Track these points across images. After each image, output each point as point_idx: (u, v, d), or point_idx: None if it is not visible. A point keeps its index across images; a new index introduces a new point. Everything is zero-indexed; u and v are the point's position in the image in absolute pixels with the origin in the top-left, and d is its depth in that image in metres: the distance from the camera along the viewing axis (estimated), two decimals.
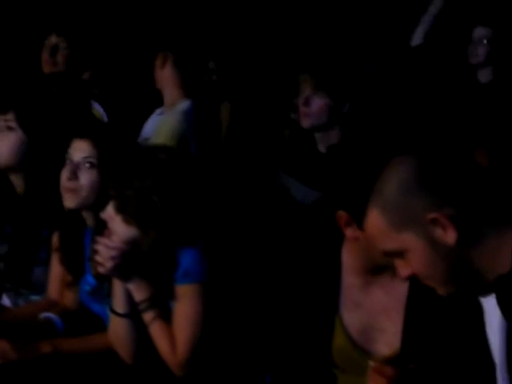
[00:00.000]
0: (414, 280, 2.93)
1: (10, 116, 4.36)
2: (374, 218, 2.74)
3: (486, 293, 2.73)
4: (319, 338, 3.38)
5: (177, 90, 6.40)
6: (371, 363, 3.08)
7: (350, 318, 3.40)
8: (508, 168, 3.46)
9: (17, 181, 4.43)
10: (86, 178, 3.96)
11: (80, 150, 4.01)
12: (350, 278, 3.42)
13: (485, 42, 7.06)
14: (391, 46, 8.65)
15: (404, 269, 2.73)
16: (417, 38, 7.95)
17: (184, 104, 6.22)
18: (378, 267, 3.28)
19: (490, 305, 2.73)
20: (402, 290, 3.27)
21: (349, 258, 3.41)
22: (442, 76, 7.30)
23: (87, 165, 3.96)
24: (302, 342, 3.40)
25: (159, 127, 6.15)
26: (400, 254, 2.72)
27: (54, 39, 7.18)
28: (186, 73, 6.41)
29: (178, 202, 3.65)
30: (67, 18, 10.55)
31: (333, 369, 3.41)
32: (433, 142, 3.00)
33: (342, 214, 3.18)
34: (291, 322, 3.48)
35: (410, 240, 2.69)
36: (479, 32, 7.14)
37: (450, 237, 2.61)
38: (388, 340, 3.33)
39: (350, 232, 3.19)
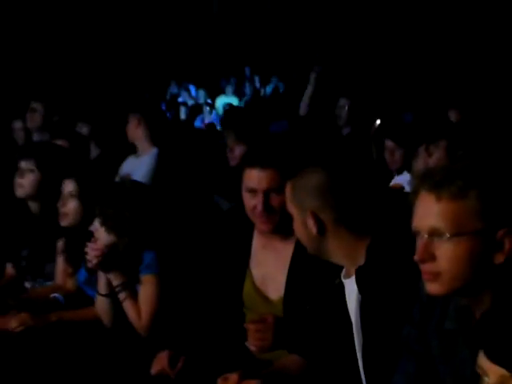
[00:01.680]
0: (298, 244, 3.20)
1: (32, 162, 4.50)
2: (288, 190, 2.97)
3: (347, 276, 2.92)
4: (234, 286, 3.54)
5: (147, 142, 6.40)
6: (249, 325, 3.28)
7: (254, 271, 3.55)
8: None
9: (33, 206, 4.58)
10: (70, 205, 4.19)
11: (67, 186, 4.19)
12: (255, 243, 3.58)
13: (346, 108, 7.15)
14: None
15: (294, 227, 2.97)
16: (303, 109, 7.88)
17: (153, 151, 6.30)
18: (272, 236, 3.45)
19: (349, 283, 2.90)
20: (289, 252, 3.40)
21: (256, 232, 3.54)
22: (323, 131, 7.19)
23: (71, 197, 4.17)
24: (223, 290, 3.54)
25: (139, 166, 6.17)
26: (292, 218, 2.96)
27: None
28: (153, 130, 6.38)
29: (142, 218, 3.80)
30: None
31: (243, 308, 3.55)
32: (326, 168, 2.95)
33: None
34: (216, 277, 3.62)
35: (295, 214, 2.94)
36: (342, 101, 7.26)
37: (312, 228, 2.86)
38: (277, 287, 3.44)
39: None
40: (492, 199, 2.25)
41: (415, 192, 2.36)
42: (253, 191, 3.37)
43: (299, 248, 3.23)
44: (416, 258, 2.29)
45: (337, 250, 2.94)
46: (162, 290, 3.82)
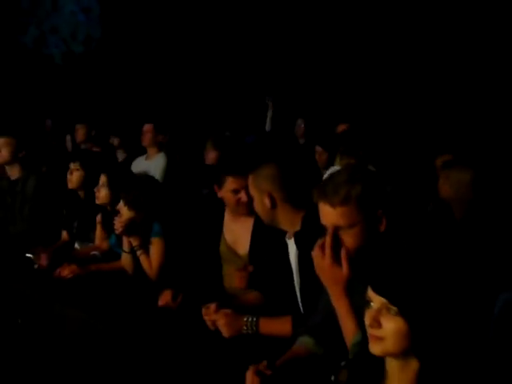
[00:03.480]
0: (256, 218, 3.19)
1: (78, 163, 4.45)
2: (250, 179, 2.98)
3: (289, 238, 2.92)
4: (213, 246, 3.56)
5: (156, 148, 6.29)
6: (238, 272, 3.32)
7: (227, 236, 3.55)
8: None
9: (81, 193, 4.52)
10: (103, 192, 4.16)
11: (101, 179, 4.17)
12: (226, 217, 3.59)
13: (302, 125, 7.01)
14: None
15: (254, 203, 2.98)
16: (267, 127, 7.73)
17: (161, 154, 6.19)
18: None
19: (290, 242, 2.90)
20: (250, 223, 3.42)
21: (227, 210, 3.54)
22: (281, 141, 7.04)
23: (103, 186, 4.15)
24: (206, 249, 3.57)
25: (154, 166, 5.93)
26: (253, 199, 2.97)
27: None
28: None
29: (152, 201, 3.76)
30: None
31: (220, 261, 3.58)
32: (277, 163, 2.93)
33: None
34: (201, 240, 3.65)
35: (256, 195, 2.93)
36: (299, 121, 7.07)
37: (266, 203, 2.86)
38: (244, 247, 3.46)
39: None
40: (367, 199, 2.26)
41: (316, 199, 2.35)
42: (236, 191, 3.42)
43: (258, 220, 3.21)
44: (328, 243, 2.28)
45: (283, 220, 2.92)
46: (166, 248, 3.78)
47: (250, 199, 3.09)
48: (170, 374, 2.64)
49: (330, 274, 2.25)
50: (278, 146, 6.56)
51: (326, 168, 5.01)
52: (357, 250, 2.26)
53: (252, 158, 3.60)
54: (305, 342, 2.45)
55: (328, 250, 2.25)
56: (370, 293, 1.67)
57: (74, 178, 4.47)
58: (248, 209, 3.34)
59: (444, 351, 1.62)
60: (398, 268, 1.67)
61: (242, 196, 3.39)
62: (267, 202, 2.87)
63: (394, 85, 8.15)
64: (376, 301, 1.65)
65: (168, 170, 6.08)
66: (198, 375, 2.56)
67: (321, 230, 2.46)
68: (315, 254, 2.30)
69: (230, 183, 3.42)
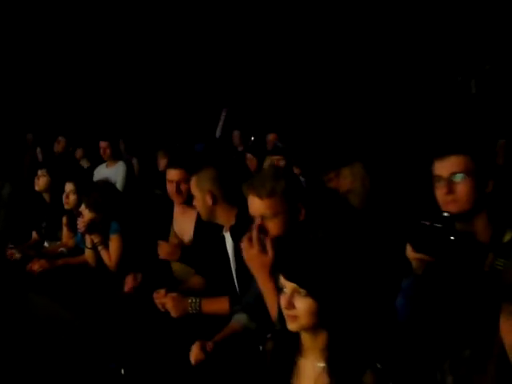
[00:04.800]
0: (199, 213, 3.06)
1: (44, 170, 4.33)
2: (193, 180, 2.93)
3: (225, 231, 2.91)
4: (163, 236, 3.47)
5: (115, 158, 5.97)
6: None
7: (176, 228, 3.50)
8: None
9: (46, 196, 4.43)
10: (71, 198, 4.07)
11: (68, 186, 4.06)
12: (175, 212, 3.52)
13: (237, 136, 6.76)
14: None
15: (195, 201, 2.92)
16: (217, 134, 7.62)
17: (120, 163, 5.92)
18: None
19: (227, 235, 2.89)
20: (195, 214, 3.28)
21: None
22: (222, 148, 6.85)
23: (71, 192, 4.07)
24: (157, 239, 3.42)
25: (114, 173, 5.67)
26: (194, 197, 2.92)
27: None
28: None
29: (109, 203, 3.69)
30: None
31: None
32: (216, 167, 2.94)
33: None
34: (153, 232, 3.58)
35: (198, 194, 2.90)
36: (235, 132, 6.86)
37: (208, 200, 2.87)
38: (189, 235, 3.40)
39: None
40: (290, 192, 2.28)
41: (245, 192, 2.35)
42: (171, 181, 3.39)
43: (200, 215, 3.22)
44: (255, 234, 2.25)
45: (220, 216, 2.93)
46: (123, 243, 3.71)
47: (187, 190, 3.11)
48: (132, 350, 2.66)
49: (257, 260, 2.23)
50: (217, 152, 6.53)
51: (257, 172, 4.99)
52: (278, 239, 2.26)
53: (194, 161, 3.55)
54: (240, 318, 2.46)
55: (255, 240, 2.22)
56: (282, 280, 1.69)
57: (40, 182, 4.38)
58: (187, 198, 3.31)
59: (347, 323, 1.66)
60: (305, 256, 1.69)
61: (182, 186, 3.33)
62: (209, 199, 2.87)
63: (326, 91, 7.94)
64: (288, 286, 1.68)
65: (127, 176, 5.96)
66: (154, 350, 2.59)
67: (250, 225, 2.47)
68: (244, 245, 2.29)
69: (171, 174, 3.37)
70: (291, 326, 1.68)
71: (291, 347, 1.73)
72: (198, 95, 8.91)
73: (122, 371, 2.87)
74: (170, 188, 3.38)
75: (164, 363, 2.49)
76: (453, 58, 7.80)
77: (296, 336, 1.73)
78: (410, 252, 1.95)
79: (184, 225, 3.46)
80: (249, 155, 5.40)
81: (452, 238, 1.87)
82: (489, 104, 7.31)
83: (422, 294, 1.99)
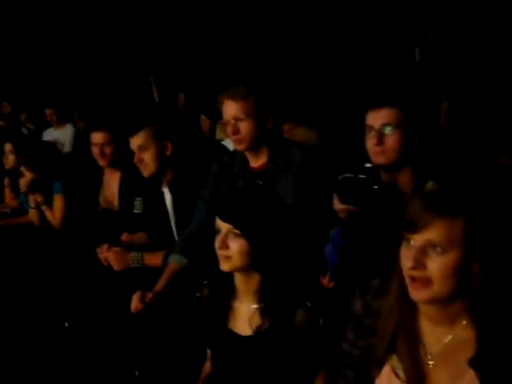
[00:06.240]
0: (123, 173, 3.14)
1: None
2: (147, 134, 2.81)
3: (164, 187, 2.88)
4: (93, 198, 3.45)
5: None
6: None
7: (105, 191, 3.43)
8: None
9: None
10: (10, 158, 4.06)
11: (6, 146, 4.06)
12: (105, 174, 3.45)
13: (182, 98, 6.66)
14: None
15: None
16: (156, 97, 7.36)
17: (68, 125, 5.86)
18: None
19: (165, 190, 2.89)
20: (118, 176, 3.30)
21: None
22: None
23: (10, 153, 4.04)
24: (88, 201, 3.45)
25: (63, 136, 5.67)
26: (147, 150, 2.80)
27: None
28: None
29: (49, 163, 3.68)
30: None
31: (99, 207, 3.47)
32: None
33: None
34: (86, 194, 3.56)
35: (153, 145, 2.79)
36: (180, 95, 6.74)
37: (167, 151, 2.80)
38: (115, 195, 3.34)
39: None
40: (262, 98, 2.44)
41: (221, 99, 2.58)
42: (95, 144, 3.36)
43: (125, 175, 3.26)
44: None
45: (162, 171, 2.89)
46: (67, 202, 3.69)
47: (113, 153, 3.15)
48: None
49: None
50: (158, 111, 6.39)
51: (210, 132, 5.04)
52: None
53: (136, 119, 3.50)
54: (174, 258, 2.55)
55: None
56: (218, 222, 1.73)
57: None
58: (110, 161, 3.31)
59: (278, 264, 1.72)
60: (240, 198, 1.75)
61: (106, 149, 3.32)
62: (168, 150, 2.84)
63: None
64: (223, 227, 1.72)
65: (75, 137, 5.87)
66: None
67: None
68: None
69: (94, 138, 3.34)
70: (224, 266, 1.72)
71: (226, 291, 1.78)
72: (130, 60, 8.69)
73: (66, 324, 3.01)
74: (95, 151, 3.34)
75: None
76: (397, 28, 7.88)
77: (230, 280, 1.77)
78: (336, 203, 2.02)
79: (112, 188, 3.43)
80: (202, 116, 5.35)
81: (375, 187, 1.96)
82: (433, 70, 7.45)
83: (348, 242, 2.08)
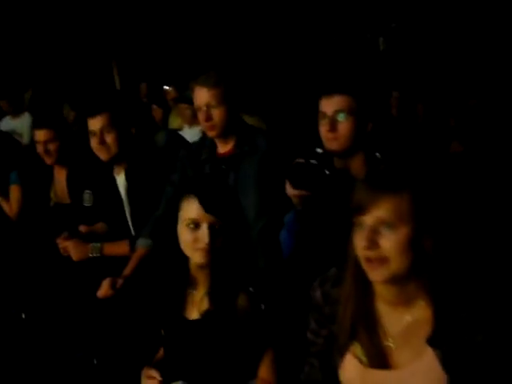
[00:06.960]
0: (70, 169, 3.10)
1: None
2: (108, 117, 2.74)
3: (117, 174, 2.83)
4: (44, 188, 3.36)
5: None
6: None
7: (55, 184, 3.35)
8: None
9: None
10: None
11: None
12: (55, 170, 3.36)
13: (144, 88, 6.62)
14: None
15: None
16: (117, 86, 7.33)
17: (26, 114, 5.68)
18: None
19: (119, 177, 2.82)
20: (65, 172, 3.24)
21: None
22: None
23: None
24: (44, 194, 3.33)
25: (20, 125, 5.55)
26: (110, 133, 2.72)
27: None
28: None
29: (5, 152, 3.71)
30: None
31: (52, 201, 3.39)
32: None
33: None
34: (42, 186, 3.44)
35: (114, 125, 2.71)
36: (142, 85, 6.67)
37: (130, 134, 2.76)
38: (63, 190, 3.29)
39: None
40: (232, 85, 2.47)
41: (192, 86, 2.50)
42: (38, 142, 3.26)
43: (71, 170, 3.22)
44: None
45: (120, 156, 2.83)
46: (23, 193, 3.64)
47: (57, 150, 3.11)
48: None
49: None
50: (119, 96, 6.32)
51: (162, 122, 4.96)
52: None
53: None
54: (140, 243, 2.60)
55: None
56: (200, 213, 1.72)
57: None
58: (56, 158, 3.25)
59: (227, 252, 1.75)
60: (219, 192, 1.77)
61: (50, 146, 3.23)
62: (133, 132, 2.80)
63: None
64: (205, 218, 1.71)
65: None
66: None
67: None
68: None
69: (38, 135, 3.24)
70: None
71: (182, 282, 1.81)
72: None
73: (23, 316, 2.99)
74: (39, 149, 3.25)
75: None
76: (362, 17, 7.95)
77: (186, 271, 1.80)
78: (289, 189, 2.07)
79: (62, 184, 3.36)
80: (154, 106, 5.35)
81: (327, 172, 2.01)
82: (395, 59, 7.54)
83: (303, 227, 2.12)
